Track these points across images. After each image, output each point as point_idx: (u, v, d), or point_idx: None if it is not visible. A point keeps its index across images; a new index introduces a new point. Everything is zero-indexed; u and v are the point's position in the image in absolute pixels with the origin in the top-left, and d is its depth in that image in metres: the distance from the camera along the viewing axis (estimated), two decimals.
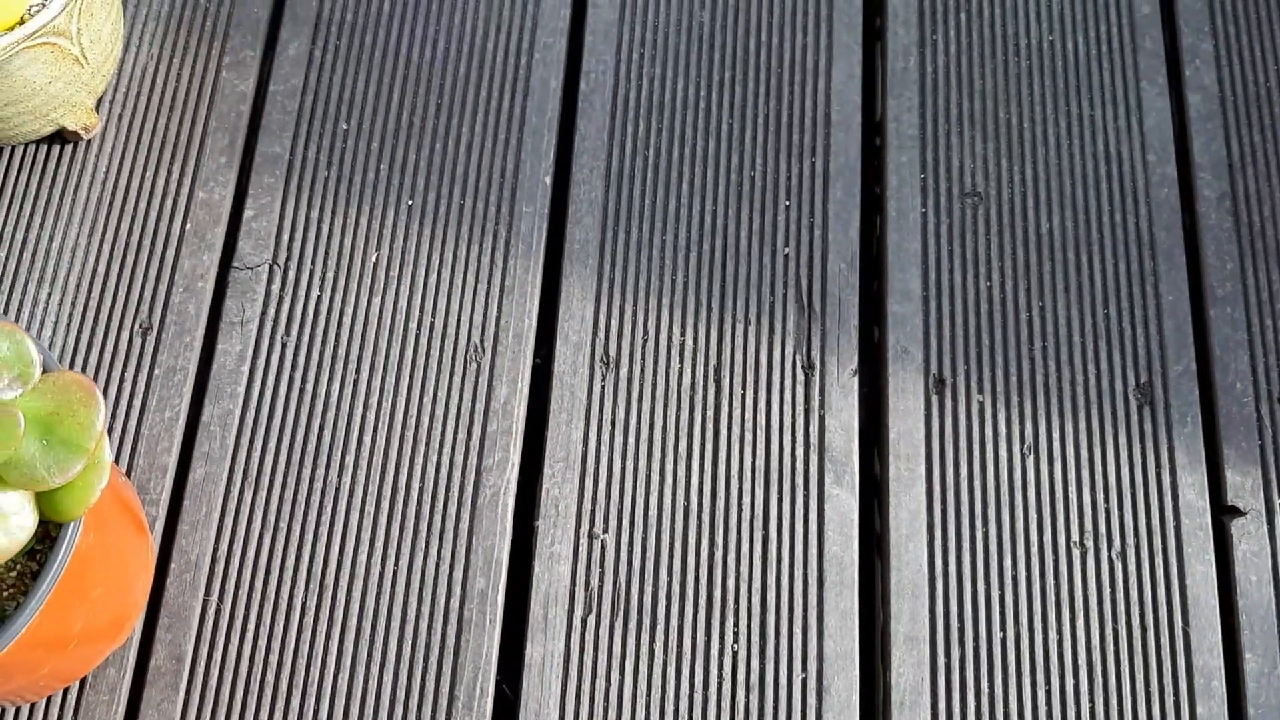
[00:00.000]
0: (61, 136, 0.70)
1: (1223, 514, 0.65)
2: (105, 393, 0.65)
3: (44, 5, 0.60)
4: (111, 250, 0.68)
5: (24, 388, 0.45)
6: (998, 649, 0.62)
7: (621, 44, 0.74)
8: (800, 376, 0.67)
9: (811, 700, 0.61)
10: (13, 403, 0.44)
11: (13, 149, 0.70)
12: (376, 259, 0.69)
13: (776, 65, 0.74)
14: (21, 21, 0.60)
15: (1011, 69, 0.74)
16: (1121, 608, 0.63)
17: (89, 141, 0.71)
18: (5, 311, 0.67)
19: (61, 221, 0.69)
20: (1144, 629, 0.62)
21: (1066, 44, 0.74)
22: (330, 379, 0.66)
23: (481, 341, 0.67)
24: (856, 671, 0.61)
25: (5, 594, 0.48)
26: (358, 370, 0.66)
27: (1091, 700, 0.61)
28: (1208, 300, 0.69)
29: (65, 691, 0.59)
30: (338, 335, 0.67)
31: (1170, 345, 0.67)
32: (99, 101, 0.71)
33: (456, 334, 0.67)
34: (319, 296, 0.68)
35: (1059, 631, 0.62)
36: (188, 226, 0.69)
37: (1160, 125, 0.73)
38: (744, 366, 0.67)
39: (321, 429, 0.65)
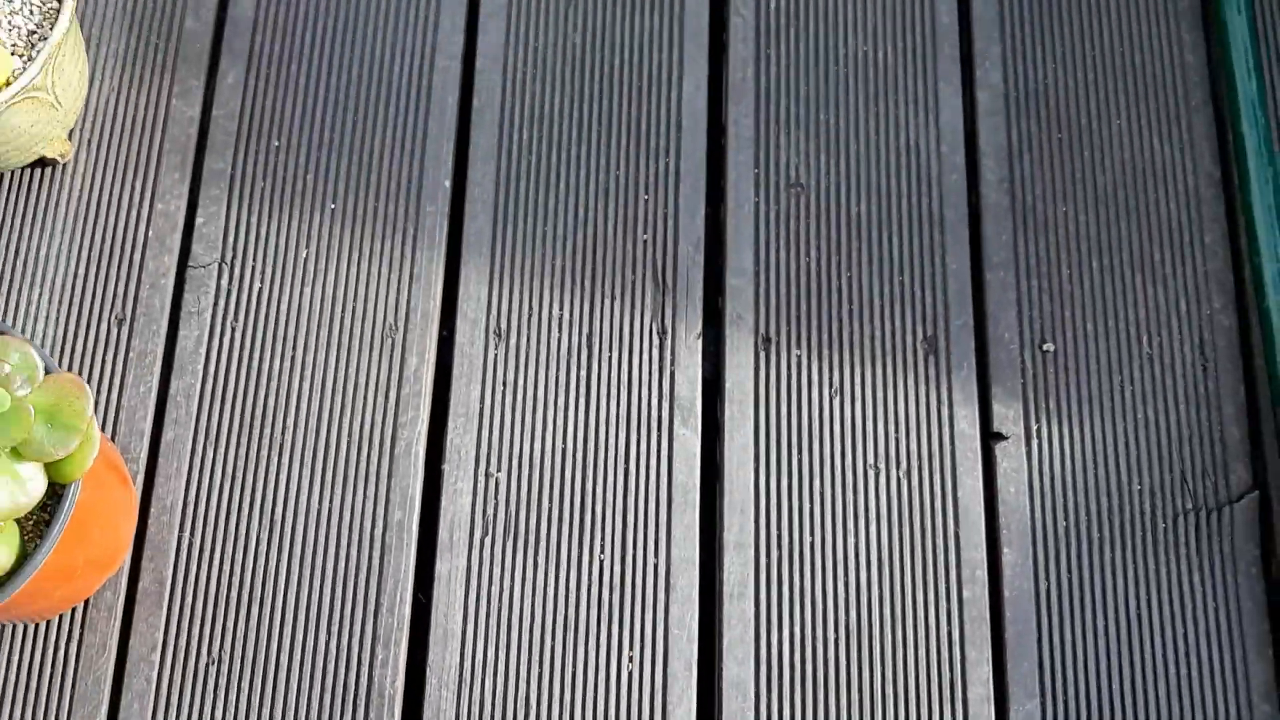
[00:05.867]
0: (42, 163, 0.84)
1: (990, 439, 0.81)
2: (89, 375, 0.81)
3: (25, 68, 0.75)
4: (89, 255, 0.83)
5: (31, 387, 0.60)
6: (808, 551, 0.78)
7: (507, 65, 0.89)
8: (655, 340, 0.83)
9: (661, 596, 0.78)
10: (25, 399, 0.60)
11: (4, 175, 0.85)
12: (307, 254, 0.84)
13: (637, 80, 0.89)
14: (7, 83, 0.74)
15: (831, 77, 0.89)
16: (906, 516, 0.79)
17: (65, 166, 0.85)
18: (4, 311, 0.82)
19: (46, 233, 0.84)
20: (924, 532, 0.79)
21: (878, 53, 0.89)
22: (272, 355, 0.82)
23: (395, 320, 0.83)
24: (696, 572, 0.78)
25: (26, 538, 0.64)
26: (294, 347, 0.82)
27: (880, 588, 0.78)
28: (985, 266, 0.85)
29: (73, 610, 0.76)
30: (276, 319, 0.83)
31: (953, 304, 0.83)
32: (71, 132, 0.86)
33: (374, 314, 0.83)
34: (260, 288, 0.83)
35: (856, 536, 0.79)
36: (150, 233, 0.84)
37: (953, 120, 0.88)
38: (610, 333, 0.83)
39: (267, 396, 0.81)
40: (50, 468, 0.62)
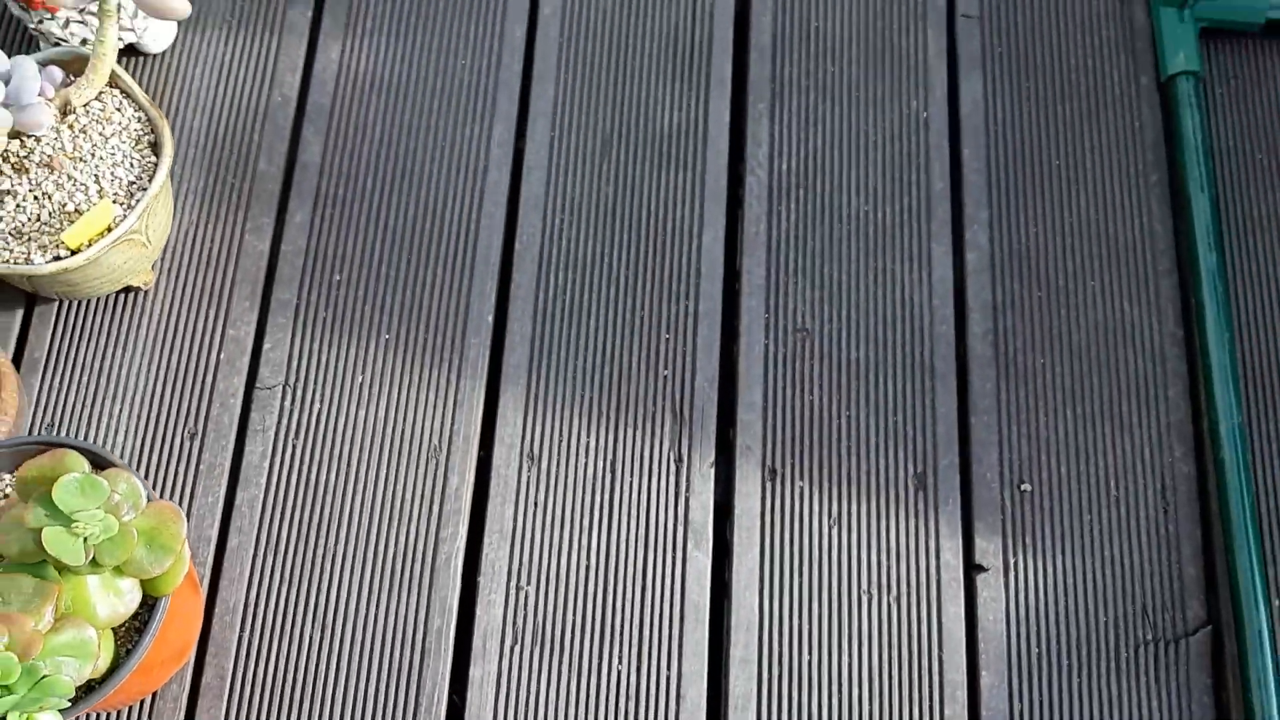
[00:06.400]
0: (128, 289, 0.94)
1: (972, 570, 0.90)
2: (163, 484, 0.90)
3: (125, 215, 0.85)
4: (166, 374, 0.93)
5: (135, 513, 0.69)
6: (806, 669, 0.87)
7: (546, 213, 0.99)
8: (672, 467, 0.92)
9: (673, 705, 0.86)
10: (130, 523, 0.69)
11: (93, 300, 0.94)
12: (362, 380, 0.94)
13: (662, 230, 0.99)
14: (109, 229, 0.84)
15: (835, 233, 0.99)
16: (895, 638, 0.88)
17: (147, 293, 0.95)
18: (88, 422, 0.91)
19: (128, 354, 0.93)
20: (910, 654, 0.88)
21: (878, 213, 1.00)
22: (328, 471, 0.91)
23: (439, 442, 0.92)
24: (705, 684, 0.87)
25: (119, 642, 0.73)
26: (348, 464, 0.91)
27: (870, 705, 0.86)
28: (971, 411, 0.94)
29: (142, 701, 0.84)
30: (333, 438, 0.92)
31: (941, 445, 0.93)
32: (154, 262, 0.95)
33: (421, 437, 0.92)
34: (319, 409, 0.93)
35: (850, 655, 0.87)
36: (221, 356, 0.94)
37: (944, 277, 0.98)
38: (631, 460, 0.92)
39: (322, 508, 0.90)
40: (145, 583, 0.71)
